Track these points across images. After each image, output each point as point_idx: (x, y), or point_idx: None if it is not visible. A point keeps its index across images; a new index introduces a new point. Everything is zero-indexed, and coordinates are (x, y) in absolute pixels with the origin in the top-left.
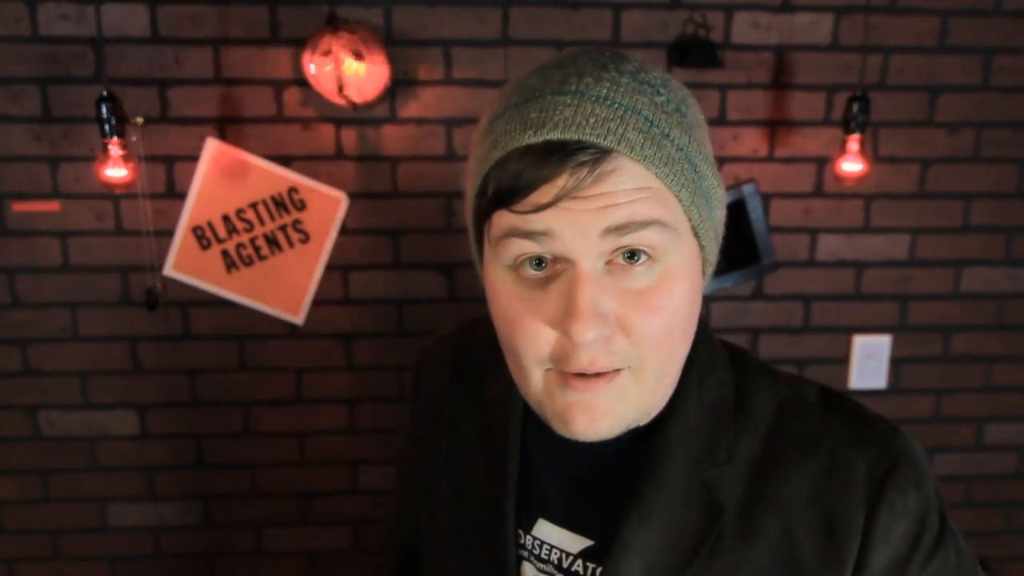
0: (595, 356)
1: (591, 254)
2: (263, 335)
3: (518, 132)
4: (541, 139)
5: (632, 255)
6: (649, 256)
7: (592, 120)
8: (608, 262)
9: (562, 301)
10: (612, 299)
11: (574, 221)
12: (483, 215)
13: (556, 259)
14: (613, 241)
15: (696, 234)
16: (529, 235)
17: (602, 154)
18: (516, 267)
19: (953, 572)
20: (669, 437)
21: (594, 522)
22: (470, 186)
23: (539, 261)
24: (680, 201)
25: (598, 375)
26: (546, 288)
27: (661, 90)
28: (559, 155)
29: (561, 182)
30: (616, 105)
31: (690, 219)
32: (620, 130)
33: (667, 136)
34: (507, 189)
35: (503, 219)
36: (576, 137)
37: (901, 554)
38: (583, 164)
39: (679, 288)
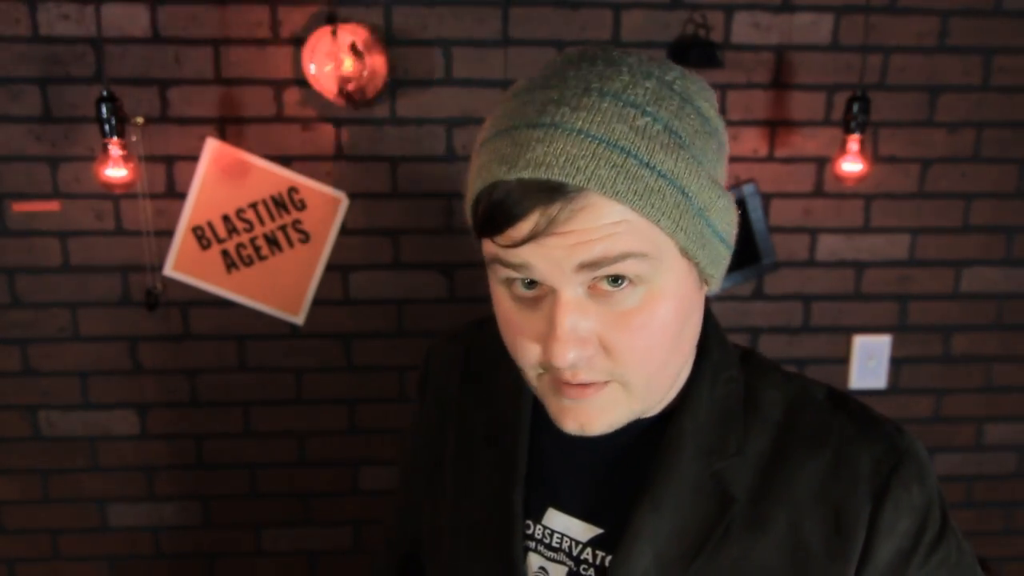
0: (576, 371)
1: (570, 284)
2: (263, 335)
3: (496, 165)
4: (514, 177)
5: (616, 280)
6: (631, 281)
7: (563, 159)
8: (592, 287)
9: (546, 322)
10: (594, 321)
11: (548, 256)
12: (478, 235)
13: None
14: (589, 273)
15: (686, 254)
16: (510, 265)
17: (575, 191)
18: (509, 284)
19: (953, 567)
20: (681, 429)
21: (604, 511)
22: (467, 201)
23: (531, 280)
24: (661, 228)
25: (586, 385)
26: (536, 307)
27: (648, 109)
28: (531, 195)
29: (533, 219)
30: (589, 139)
31: (677, 243)
32: (591, 167)
33: (646, 164)
34: (486, 223)
35: (488, 246)
36: (546, 176)
37: (904, 548)
38: (554, 203)
39: (663, 308)
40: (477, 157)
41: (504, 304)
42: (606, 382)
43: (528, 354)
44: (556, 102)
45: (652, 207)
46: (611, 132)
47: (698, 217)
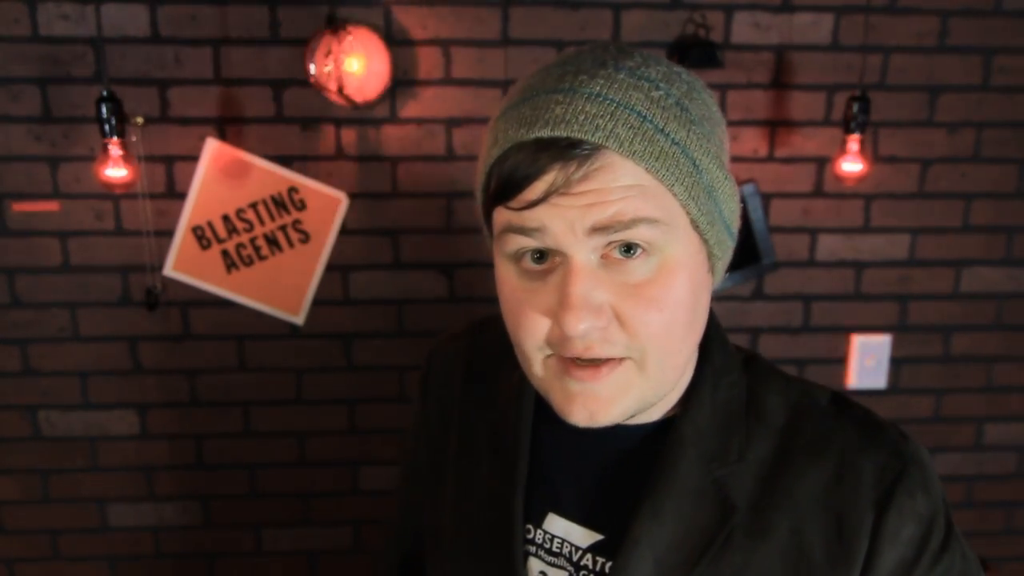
0: (590, 343)
1: (583, 249)
2: (263, 335)
3: (513, 130)
4: (533, 136)
5: (628, 249)
6: (644, 250)
7: (582, 117)
8: (604, 256)
9: (557, 292)
10: (607, 291)
11: (563, 217)
12: (488, 210)
13: (554, 252)
14: (602, 237)
15: (698, 228)
16: (523, 231)
17: (592, 150)
18: (518, 259)
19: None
20: (683, 435)
21: (605, 517)
22: (477, 182)
23: (541, 254)
24: (675, 196)
25: (599, 364)
26: (546, 280)
27: (660, 85)
28: (549, 152)
29: (550, 178)
30: (607, 101)
31: (688, 213)
32: (609, 126)
33: (661, 131)
34: (503, 185)
35: (501, 215)
36: (565, 134)
37: (908, 556)
38: (572, 160)
39: (678, 281)
40: (492, 130)
41: (511, 281)
42: (621, 360)
43: (535, 330)
44: (574, 73)
45: (668, 171)
46: (628, 98)
47: (707, 193)
